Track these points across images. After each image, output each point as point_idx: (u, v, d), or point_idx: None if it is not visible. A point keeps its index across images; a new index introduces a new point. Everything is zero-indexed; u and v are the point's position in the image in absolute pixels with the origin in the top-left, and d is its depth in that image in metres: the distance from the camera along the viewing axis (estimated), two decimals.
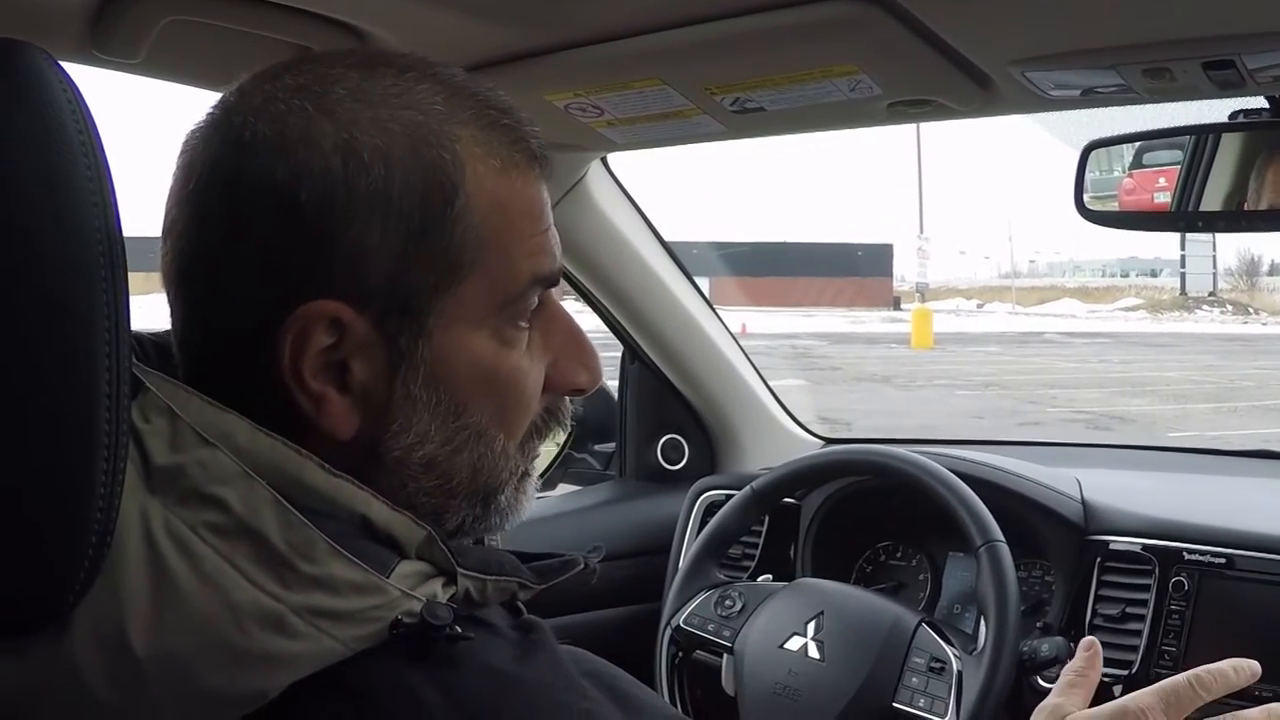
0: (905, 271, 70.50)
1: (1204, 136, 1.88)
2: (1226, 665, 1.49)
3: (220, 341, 0.99)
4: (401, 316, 0.98)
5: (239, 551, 0.87)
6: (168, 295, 1.03)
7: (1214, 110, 1.87)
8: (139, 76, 1.81)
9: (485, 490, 1.06)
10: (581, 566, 1.14)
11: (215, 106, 1.02)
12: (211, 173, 0.98)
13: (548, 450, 3.06)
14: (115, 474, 0.85)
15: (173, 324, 1.03)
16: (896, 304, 58.50)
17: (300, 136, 0.95)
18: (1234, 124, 1.85)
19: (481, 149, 1.00)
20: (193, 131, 1.02)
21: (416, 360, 0.99)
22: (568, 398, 1.14)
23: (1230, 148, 1.86)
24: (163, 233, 1.02)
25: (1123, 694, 2.14)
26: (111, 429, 0.84)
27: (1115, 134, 1.96)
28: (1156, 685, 1.47)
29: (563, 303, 1.12)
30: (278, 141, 0.96)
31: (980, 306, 65.30)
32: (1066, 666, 1.61)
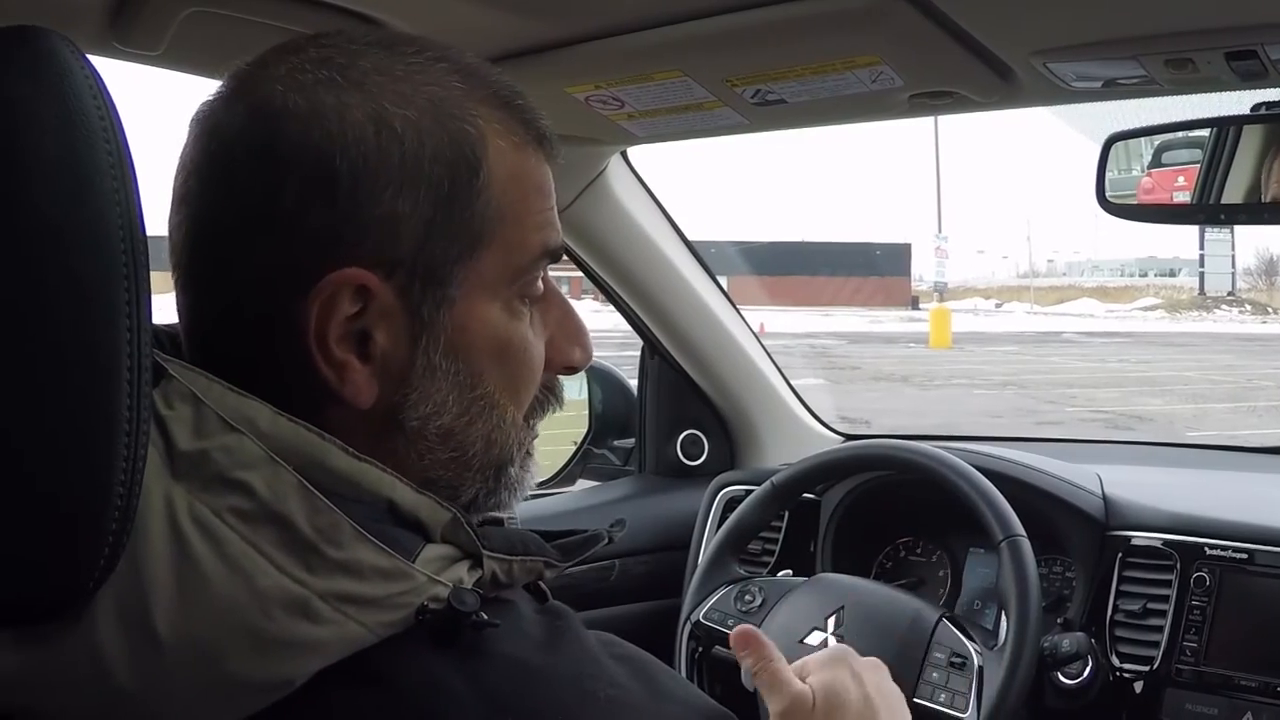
0: (923, 271, 70.49)
1: (1225, 129, 1.87)
2: None
3: (237, 313, 0.99)
4: (425, 285, 0.98)
5: (264, 536, 0.88)
6: (178, 269, 1.02)
7: (1235, 105, 1.86)
8: (159, 69, 1.82)
9: (497, 463, 1.06)
10: (606, 541, 1.13)
11: (232, 78, 1.02)
12: (238, 141, 0.97)
13: (565, 450, 3.08)
14: (136, 458, 0.85)
15: (182, 300, 1.03)
16: (915, 303, 58.43)
17: (333, 106, 0.96)
18: (1255, 116, 1.84)
19: (499, 125, 1.02)
20: (209, 102, 1.02)
21: (438, 329, 0.99)
22: (560, 376, 1.16)
23: (1251, 140, 1.85)
24: (175, 202, 1.01)
25: (1144, 690, 2.15)
26: (132, 413, 0.84)
27: (1136, 126, 1.96)
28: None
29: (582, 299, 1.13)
30: (310, 110, 0.96)
31: (998, 306, 65.22)
32: (748, 670, 1.50)
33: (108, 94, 0.87)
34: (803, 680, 1.44)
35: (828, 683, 1.42)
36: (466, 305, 1.00)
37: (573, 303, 1.16)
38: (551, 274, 1.12)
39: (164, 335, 1.04)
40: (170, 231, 1.02)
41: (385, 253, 0.96)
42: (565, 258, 2.80)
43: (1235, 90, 1.78)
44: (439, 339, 0.99)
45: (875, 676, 1.47)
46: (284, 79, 0.98)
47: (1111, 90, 1.82)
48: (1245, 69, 1.66)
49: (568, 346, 1.13)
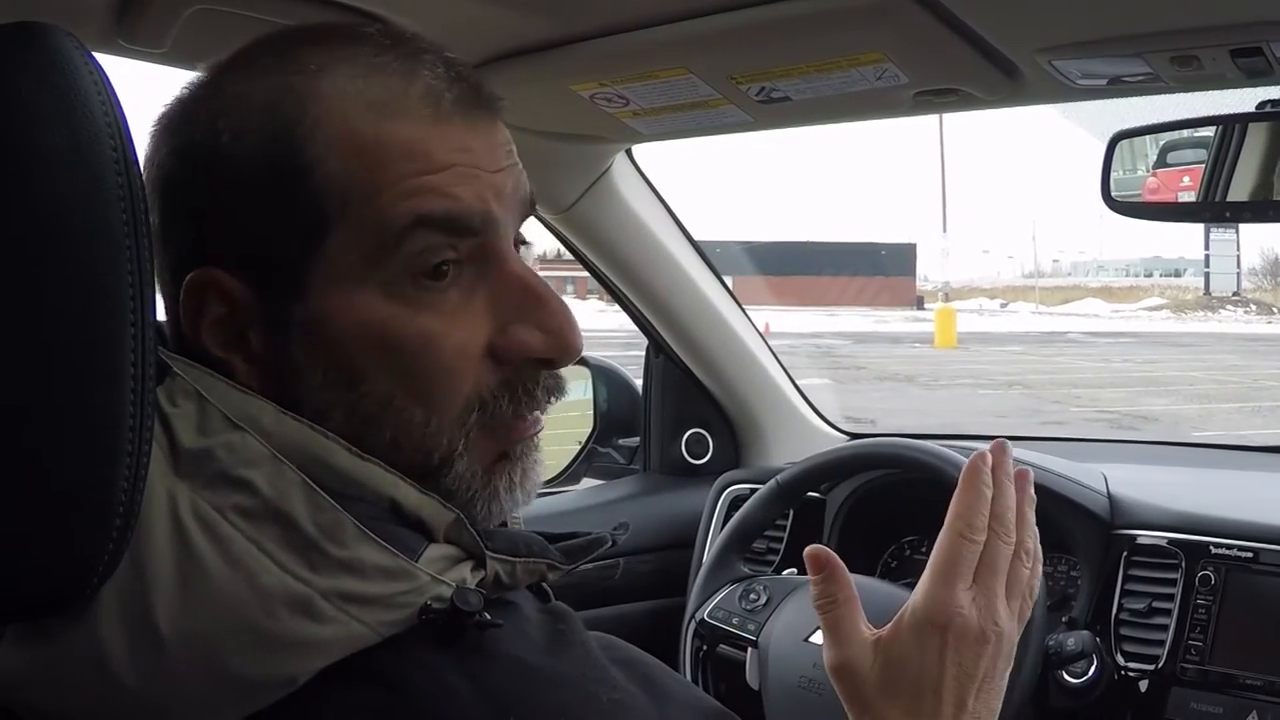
0: (928, 271, 70.49)
1: (1231, 127, 1.87)
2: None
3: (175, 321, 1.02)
4: (277, 280, 0.97)
5: (267, 534, 0.88)
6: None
7: (1240, 103, 1.86)
8: (165, 66, 1.82)
9: (422, 469, 0.99)
10: (609, 544, 1.12)
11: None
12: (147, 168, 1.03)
13: (569, 449, 3.08)
14: (140, 454, 0.85)
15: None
16: (920, 303, 58.38)
17: (180, 120, 1.01)
18: (1261, 114, 1.84)
19: (352, 99, 0.97)
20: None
21: (295, 326, 0.97)
22: (542, 370, 1.05)
23: (1257, 138, 1.85)
24: None
25: (1149, 689, 2.15)
26: (136, 408, 0.85)
27: (1142, 124, 1.96)
28: (935, 573, 1.23)
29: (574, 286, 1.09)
30: (168, 124, 1.02)
31: (1004, 306, 65.09)
32: (815, 598, 1.29)
33: (113, 90, 0.88)
34: (877, 637, 1.23)
35: (899, 658, 1.20)
36: (326, 298, 0.97)
37: (572, 301, 1.11)
38: (558, 274, 1.07)
39: (166, 331, 1.04)
40: None
41: (235, 253, 0.98)
42: (570, 257, 2.81)
43: (1241, 88, 1.77)
44: (299, 337, 0.98)
45: (977, 666, 1.19)
46: (171, 102, 1.04)
47: (1117, 88, 1.81)
48: (1250, 66, 1.65)
49: (524, 334, 1.02)
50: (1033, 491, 1.29)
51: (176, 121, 1.02)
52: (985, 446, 1.27)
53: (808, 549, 1.30)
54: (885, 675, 1.20)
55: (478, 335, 1.00)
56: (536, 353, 1.02)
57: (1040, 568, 1.30)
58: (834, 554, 1.28)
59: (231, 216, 0.97)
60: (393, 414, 0.98)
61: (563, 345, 1.03)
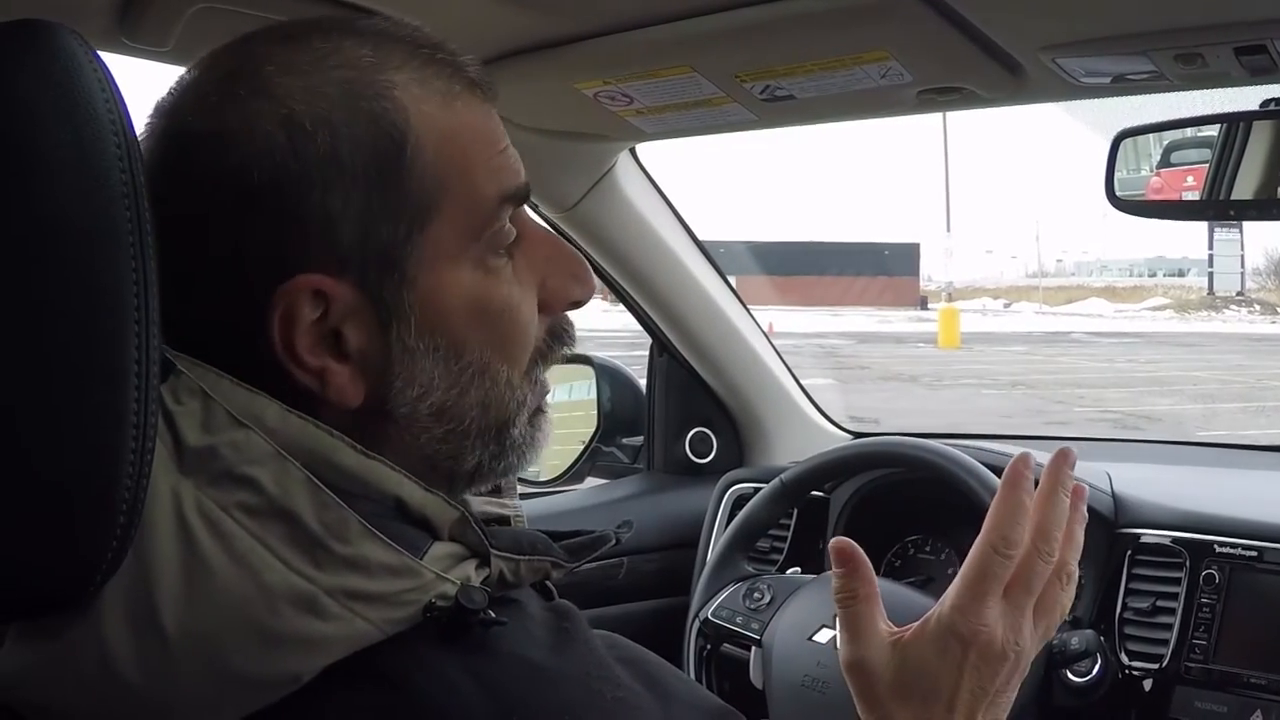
0: (932, 270, 70.36)
1: (1235, 125, 1.87)
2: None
3: (213, 339, 0.98)
4: (381, 272, 0.97)
5: (271, 532, 0.88)
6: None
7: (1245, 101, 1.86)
8: (168, 65, 1.82)
9: (497, 425, 1.04)
10: (613, 542, 1.12)
11: (151, 115, 1.03)
12: (165, 177, 0.97)
13: (573, 449, 3.08)
14: (144, 451, 0.85)
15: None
16: (923, 303, 58.25)
17: (240, 122, 0.96)
18: (1265, 112, 1.84)
19: (420, 88, 1.00)
20: (141, 141, 0.99)
21: (405, 311, 0.98)
22: (568, 314, 1.13)
23: (1261, 137, 1.85)
24: None
25: (1153, 688, 2.15)
26: (140, 405, 0.84)
27: (1146, 123, 1.96)
28: (963, 583, 1.16)
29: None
30: (220, 132, 0.96)
31: (1007, 306, 64.97)
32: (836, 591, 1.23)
33: (117, 89, 0.87)
34: (897, 637, 1.18)
35: (917, 663, 1.16)
36: (430, 279, 0.99)
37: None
38: None
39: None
40: None
41: (331, 252, 0.96)
42: None
43: (1245, 86, 1.78)
44: (409, 320, 0.98)
45: (993, 682, 1.15)
46: (193, 107, 0.99)
47: (1121, 86, 1.81)
48: (1254, 64, 1.66)
49: (563, 283, 1.10)
50: (1085, 510, 1.24)
51: (215, 132, 0.96)
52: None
53: (833, 541, 1.24)
54: (900, 677, 1.16)
55: (532, 293, 1.07)
56: (575, 296, 1.11)
57: (1074, 589, 1.24)
58: (858, 548, 1.23)
59: (329, 215, 0.96)
60: (488, 379, 1.03)
61: (590, 284, 1.12)
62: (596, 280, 2.85)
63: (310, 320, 0.96)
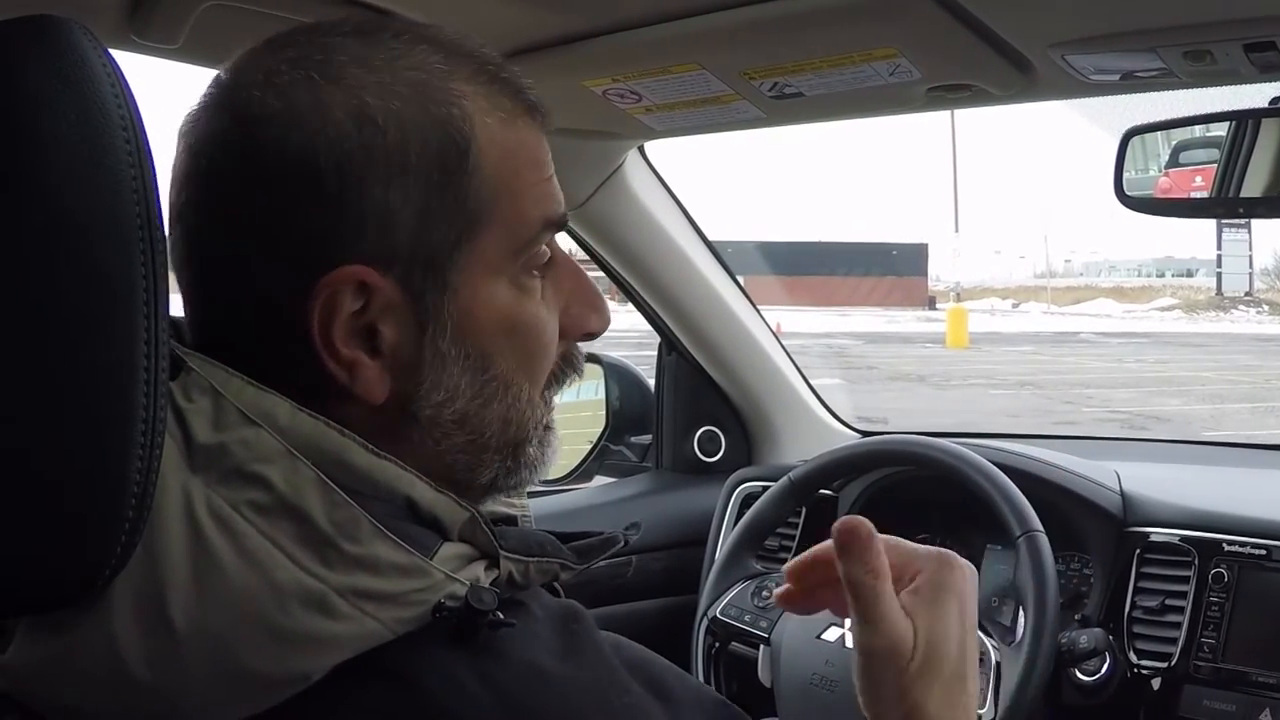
0: (940, 271, 70.36)
1: (1244, 123, 1.87)
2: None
3: (241, 320, 0.99)
4: (426, 274, 0.98)
5: (281, 530, 0.88)
6: (180, 281, 1.02)
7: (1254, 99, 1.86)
8: (177, 63, 1.82)
9: (515, 441, 1.06)
10: (621, 544, 1.12)
11: (212, 86, 1.02)
12: (222, 150, 0.97)
13: (582, 447, 3.08)
14: (153, 446, 0.85)
15: (189, 313, 1.04)
16: (931, 303, 58.26)
17: (311, 105, 0.95)
18: (1274, 109, 1.84)
19: (486, 102, 1.01)
20: (193, 112, 1.02)
21: (444, 316, 0.99)
22: (579, 344, 1.15)
23: (1270, 134, 1.85)
24: (171, 218, 1.00)
25: (1161, 687, 2.15)
26: (149, 400, 0.85)
27: (1155, 120, 1.96)
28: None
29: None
30: (288, 112, 0.96)
31: (1015, 306, 64.93)
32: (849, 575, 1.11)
33: (127, 86, 0.87)
34: (911, 610, 1.11)
35: (932, 630, 1.10)
36: (471, 289, 1.00)
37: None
38: None
39: (184, 327, 1.04)
40: (170, 246, 0.99)
41: (382, 247, 0.96)
42: (583, 254, 2.81)
43: (1254, 83, 1.77)
44: (446, 326, 0.99)
45: (972, 619, 1.14)
46: (261, 84, 0.98)
47: (1129, 83, 1.81)
48: (1263, 61, 1.65)
49: (583, 312, 1.12)
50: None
51: (284, 111, 0.96)
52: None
53: (840, 523, 1.11)
54: (927, 656, 1.09)
55: (556, 317, 1.09)
56: (591, 327, 1.13)
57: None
58: (862, 525, 1.10)
59: (387, 210, 0.96)
60: (511, 393, 1.04)
61: (606, 317, 1.13)
62: (605, 279, 2.87)
63: (350, 311, 0.96)
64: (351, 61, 0.98)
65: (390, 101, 0.96)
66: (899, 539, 1.15)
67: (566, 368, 1.13)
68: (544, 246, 1.06)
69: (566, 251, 1.12)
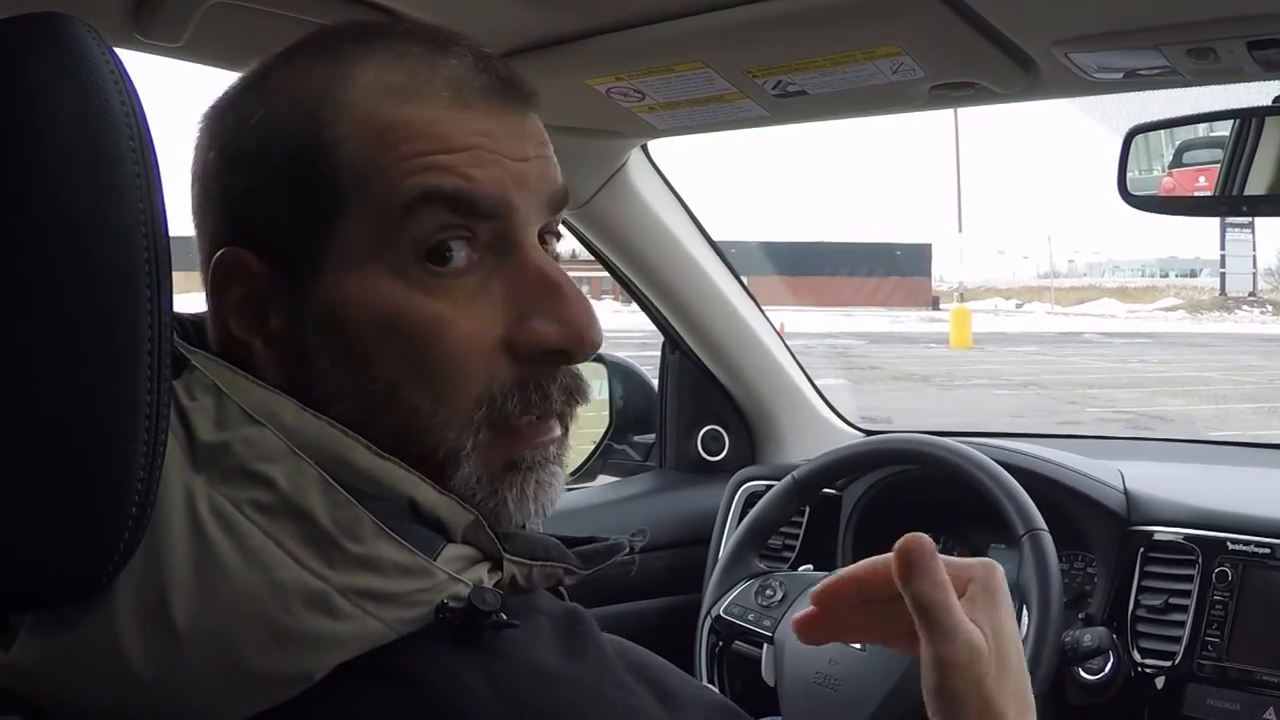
0: (944, 271, 70.39)
1: (1247, 121, 1.87)
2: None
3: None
4: (295, 259, 0.98)
5: (284, 530, 0.88)
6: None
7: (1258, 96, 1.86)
8: (181, 61, 1.83)
9: (432, 464, 0.97)
10: (626, 550, 1.12)
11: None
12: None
13: (585, 447, 3.07)
14: (156, 444, 0.85)
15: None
16: (935, 303, 58.27)
17: (227, 107, 1.04)
18: (1278, 107, 1.84)
19: (378, 84, 0.98)
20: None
21: (310, 304, 0.97)
22: (559, 368, 1.02)
23: (1274, 132, 1.85)
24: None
25: (1165, 686, 2.15)
26: (153, 397, 0.85)
27: (1158, 119, 1.96)
28: None
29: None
30: (214, 114, 1.05)
31: (1019, 306, 64.89)
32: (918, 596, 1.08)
33: (130, 83, 0.87)
34: (975, 616, 1.09)
35: (998, 635, 1.09)
36: (339, 276, 0.96)
37: (585, 291, 1.05)
38: (574, 275, 1.03)
39: (189, 325, 1.05)
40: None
41: (254, 232, 0.99)
42: (587, 254, 2.81)
43: (1257, 81, 1.77)
44: (313, 314, 0.98)
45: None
46: (231, 87, 1.06)
47: (1133, 81, 1.81)
48: (1267, 59, 1.65)
49: (539, 323, 0.99)
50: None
51: (222, 110, 1.04)
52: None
53: (903, 542, 1.08)
54: (999, 662, 1.08)
55: (492, 326, 0.98)
56: (551, 344, 0.99)
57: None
58: (925, 543, 1.08)
59: (257, 196, 0.99)
60: (400, 402, 0.97)
61: (578, 336, 0.99)
62: (612, 281, 2.87)
63: (240, 294, 0.99)
64: (274, 63, 1.04)
65: (276, 94, 1.00)
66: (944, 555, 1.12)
67: (523, 393, 0.99)
68: (463, 231, 0.97)
69: (570, 254, 1.08)
